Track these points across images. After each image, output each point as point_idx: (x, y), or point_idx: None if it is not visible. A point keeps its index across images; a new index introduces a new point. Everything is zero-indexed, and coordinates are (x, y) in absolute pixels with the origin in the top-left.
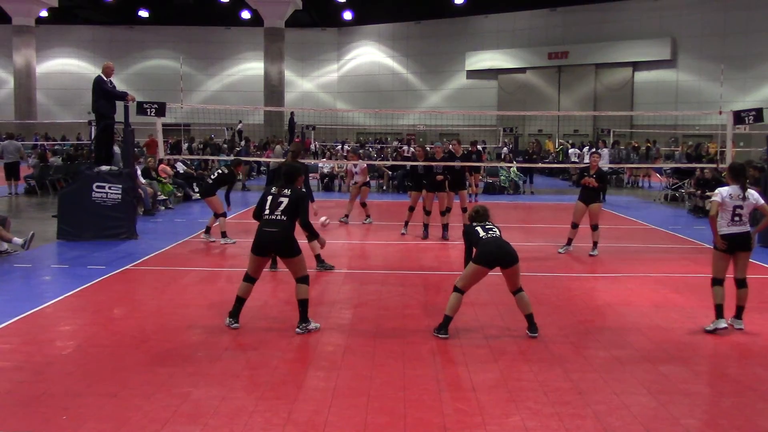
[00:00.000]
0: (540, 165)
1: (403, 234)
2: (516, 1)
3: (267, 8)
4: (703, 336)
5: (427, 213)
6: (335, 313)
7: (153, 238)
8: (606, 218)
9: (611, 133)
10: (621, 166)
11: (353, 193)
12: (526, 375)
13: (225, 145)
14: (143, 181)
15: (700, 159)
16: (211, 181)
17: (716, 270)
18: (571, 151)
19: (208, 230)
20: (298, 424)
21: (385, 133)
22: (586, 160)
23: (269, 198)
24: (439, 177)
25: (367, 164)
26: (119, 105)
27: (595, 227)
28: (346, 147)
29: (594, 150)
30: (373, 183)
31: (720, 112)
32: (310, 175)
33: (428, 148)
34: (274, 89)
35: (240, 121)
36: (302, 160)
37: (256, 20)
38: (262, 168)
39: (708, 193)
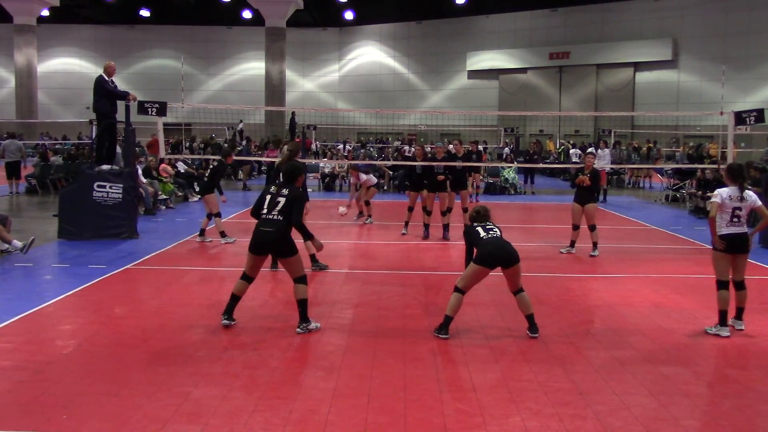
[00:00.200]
0: (541, 165)
1: (403, 234)
2: (517, 2)
3: (268, 8)
4: (704, 337)
5: (428, 213)
6: (336, 313)
7: (154, 237)
8: (607, 219)
9: (612, 134)
10: (622, 166)
11: (360, 194)
12: (527, 375)
13: (226, 145)
14: (144, 180)
15: (701, 159)
16: (206, 179)
17: (719, 272)
18: (572, 151)
19: (202, 233)
20: (298, 424)
21: (386, 133)
22: None
23: (268, 197)
24: (441, 177)
25: (369, 164)
26: (120, 104)
27: (592, 228)
28: (347, 147)
29: (588, 150)
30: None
31: (721, 113)
32: (311, 174)
33: (429, 148)
34: (275, 89)
35: (241, 121)
36: (301, 160)
37: (258, 20)
38: (262, 168)
39: (709, 194)
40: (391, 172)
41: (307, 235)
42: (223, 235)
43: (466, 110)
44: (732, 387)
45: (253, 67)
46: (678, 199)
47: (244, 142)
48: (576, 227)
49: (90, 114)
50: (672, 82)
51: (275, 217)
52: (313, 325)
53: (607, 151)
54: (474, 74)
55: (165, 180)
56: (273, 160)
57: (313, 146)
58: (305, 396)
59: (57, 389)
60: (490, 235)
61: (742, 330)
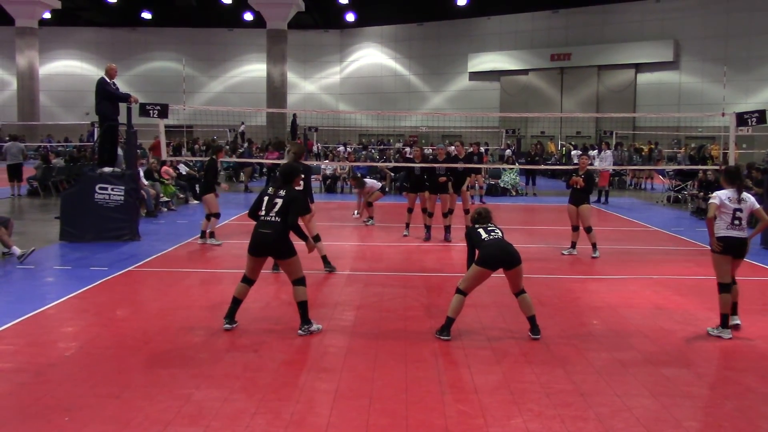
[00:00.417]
0: (542, 167)
1: (405, 236)
2: (518, 3)
3: (269, 10)
4: (705, 338)
5: (430, 215)
6: (337, 314)
7: (155, 239)
8: (608, 220)
9: (614, 135)
10: (624, 168)
11: (364, 197)
12: (529, 377)
13: (227, 147)
14: (146, 182)
15: (703, 161)
16: (202, 180)
17: (720, 274)
18: (573, 152)
19: (203, 234)
20: (299, 425)
21: (387, 135)
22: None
23: (265, 198)
24: (442, 179)
25: (369, 165)
26: (122, 107)
27: (588, 229)
28: (347, 149)
29: (582, 152)
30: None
31: (723, 114)
32: (313, 176)
33: (431, 149)
34: (276, 91)
35: (242, 123)
36: (305, 162)
37: (259, 22)
38: (263, 170)
39: (710, 195)
40: (392, 174)
41: (302, 237)
42: (212, 236)
43: (467, 112)
44: (734, 388)
45: (254, 69)
46: (679, 201)
47: (245, 144)
48: (575, 228)
49: (90, 117)
50: (673, 84)
51: (273, 218)
52: (314, 327)
53: (609, 152)
54: (475, 76)
55: (167, 182)
56: (273, 162)
57: (315, 148)
58: (306, 398)
59: (58, 392)
60: (491, 237)
61: (738, 324)
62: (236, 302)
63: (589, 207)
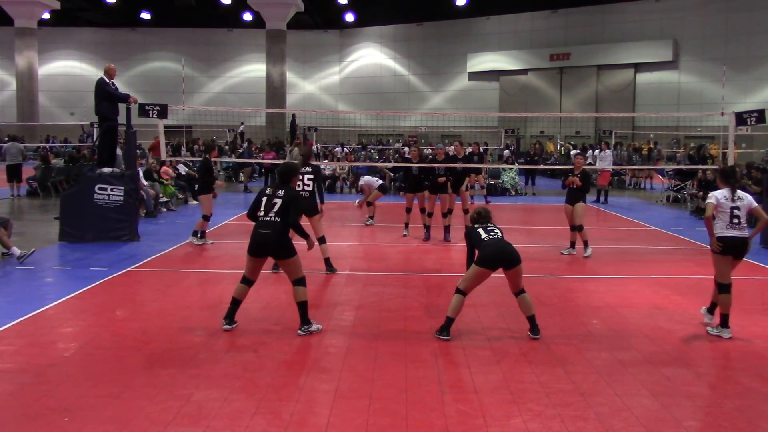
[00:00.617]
0: (542, 166)
1: (404, 236)
2: (517, 3)
3: (269, 10)
4: (705, 338)
5: (429, 215)
6: (337, 314)
7: (155, 239)
8: (608, 220)
9: (613, 135)
10: (623, 167)
11: (374, 195)
12: (528, 377)
13: (227, 147)
14: (145, 182)
15: (703, 160)
16: (198, 180)
17: (720, 274)
18: (572, 152)
19: (203, 234)
20: (299, 426)
21: (387, 135)
22: (589, 161)
23: (264, 199)
24: (442, 179)
25: (368, 165)
26: (122, 107)
27: (579, 228)
28: (344, 149)
29: (577, 152)
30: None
31: (722, 114)
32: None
33: (430, 150)
34: (275, 91)
35: (242, 123)
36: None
37: (258, 22)
38: (262, 170)
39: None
40: (392, 174)
41: (303, 235)
42: (201, 235)
43: (466, 112)
44: (733, 388)
45: (253, 70)
46: (679, 200)
47: (245, 144)
48: (573, 227)
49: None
50: (673, 83)
51: (272, 218)
52: (314, 327)
53: (608, 152)
54: (475, 76)
55: (166, 182)
56: (271, 162)
57: (314, 148)
58: (306, 398)
59: (58, 392)
60: (491, 237)
61: (709, 324)
62: (235, 303)
63: (584, 206)
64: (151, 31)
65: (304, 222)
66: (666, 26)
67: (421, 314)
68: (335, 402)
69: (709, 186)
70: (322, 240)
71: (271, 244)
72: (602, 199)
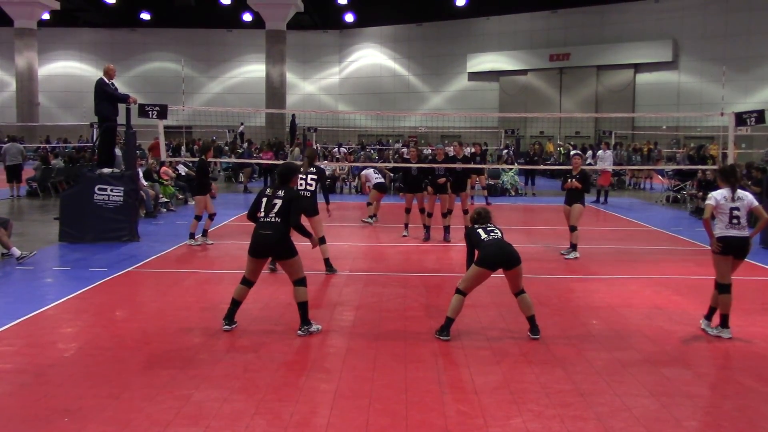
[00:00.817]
0: (542, 167)
1: (404, 236)
2: (517, 3)
3: (268, 11)
4: (705, 338)
5: (429, 215)
6: (337, 315)
7: (155, 240)
8: (608, 220)
9: (613, 135)
10: (623, 167)
11: (373, 196)
12: (528, 377)
13: (227, 147)
14: (145, 183)
15: (702, 161)
16: (195, 181)
17: (721, 275)
18: (572, 152)
19: (204, 233)
20: (299, 426)
21: (386, 135)
22: (589, 161)
23: (264, 199)
24: (442, 180)
25: (368, 165)
26: (121, 107)
27: (572, 228)
28: (342, 150)
29: (575, 152)
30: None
31: (722, 114)
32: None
33: (429, 150)
34: (275, 91)
35: (242, 124)
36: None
37: (258, 23)
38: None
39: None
40: (392, 174)
41: (305, 235)
42: (192, 236)
43: (466, 112)
44: (733, 388)
45: (253, 70)
46: (679, 201)
47: (245, 145)
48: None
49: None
50: (672, 84)
51: (273, 219)
52: (314, 328)
53: (608, 152)
54: (474, 76)
55: (166, 183)
56: (270, 162)
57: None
58: (306, 398)
59: (58, 392)
60: (491, 237)
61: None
62: (235, 304)
63: (581, 207)
64: (150, 31)
65: (304, 222)
66: (666, 26)
67: (421, 314)
68: (335, 402)
69: (709, 186)
70: (322, 240)
71: (272, 244)
72: (602, 199)
